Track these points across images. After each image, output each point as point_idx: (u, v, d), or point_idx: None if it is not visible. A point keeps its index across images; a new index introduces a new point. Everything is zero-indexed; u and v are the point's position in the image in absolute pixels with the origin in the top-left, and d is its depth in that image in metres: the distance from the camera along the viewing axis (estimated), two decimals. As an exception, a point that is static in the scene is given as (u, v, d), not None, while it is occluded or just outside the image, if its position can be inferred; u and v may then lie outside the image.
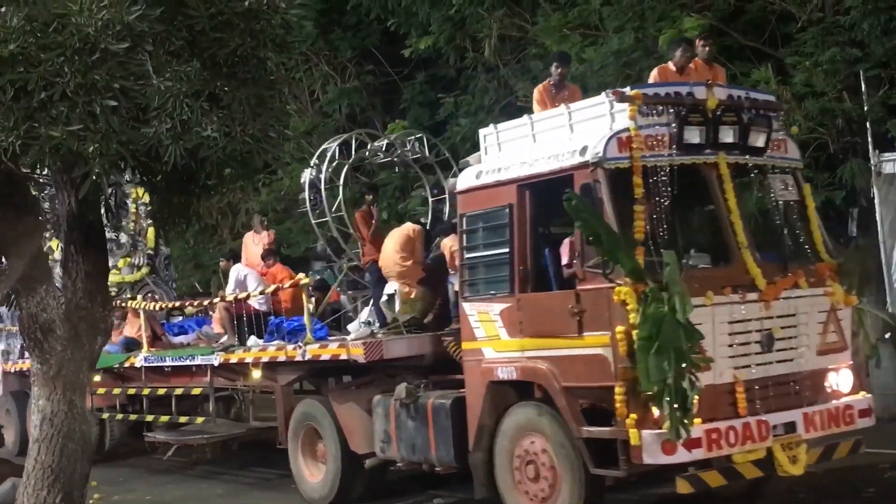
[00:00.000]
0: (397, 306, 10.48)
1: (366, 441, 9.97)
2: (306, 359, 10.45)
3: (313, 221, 12.51)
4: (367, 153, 13.31)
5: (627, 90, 7.86)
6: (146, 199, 16.11)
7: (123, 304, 14.62)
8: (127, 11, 5.32)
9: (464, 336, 8.85)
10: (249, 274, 12.69)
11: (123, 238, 17.08)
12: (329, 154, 12.68)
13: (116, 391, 14.37)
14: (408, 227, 11.26)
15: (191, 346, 13.59)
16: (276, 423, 11.40)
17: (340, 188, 12.71)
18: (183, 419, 13.33)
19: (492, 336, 8.50)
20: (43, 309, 6.77)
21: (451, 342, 9.52)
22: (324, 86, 21.23)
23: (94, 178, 5.59)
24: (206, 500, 11.92)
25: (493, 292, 8.51)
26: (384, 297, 10.67)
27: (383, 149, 13.46)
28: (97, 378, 13.18)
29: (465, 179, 9.06)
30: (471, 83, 18.40)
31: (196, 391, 12.77)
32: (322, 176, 12.47)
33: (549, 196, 8.08)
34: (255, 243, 14.50)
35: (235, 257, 13.51)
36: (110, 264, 15.78)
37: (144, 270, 17.02)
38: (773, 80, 12.70)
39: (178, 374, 13.07)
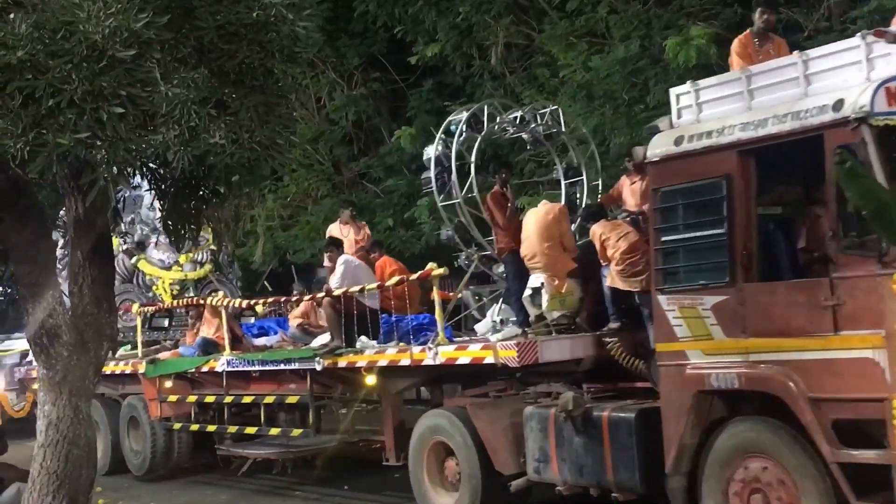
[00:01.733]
0: (544, 302, 9.18)
1: (513, 460, 8.60)
2: (438, 362, 9.09)
3: (440, 204, 10.74)
4: (495, 127, 11.47)
5: (894, 28, 6.50)
6: None
7: (201, 302, 13.36)
8: (134, 19, 5.33)
9: (658, 336, 7.46)
10: (360, 266, 11.17)
11: None
12: (460, 126, 10.95)
13: (191, 399, 12.84)
14: (550, 208, 9.68)
15: (277, 349, 12.29)
16: (383, 436, 10.17)
17: (472, 166, 10.88)
18: (274, 431, 11.69)
19: (700, 335, 7.07)
20: (50, 315, 6.78)
21: (615, 344, 8.45)
22: (330, 93, 21.26)
23: (101, 184, 5.60)
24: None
25: (702, 282, 7.07)
26: (527, 292, 9.35)
27: (516, 122, 11.67)
28: (168, 384, 12.91)
29: (658, 146, 7.51)
30: (477, 91, 18.39)
31: (291, 399, 11.14)
32: (452, 152, 10.71)
33: (777, 163, 6.89)
34: (343, 236, 13.26)
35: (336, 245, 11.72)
36: (172, 259, 15.56)
37: (208, 267, 16.16)
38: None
39: (265, 380, 11.74)
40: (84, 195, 6.35)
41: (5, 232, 6.79)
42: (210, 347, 12.52)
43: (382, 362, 9.72)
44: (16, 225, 6.72)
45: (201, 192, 6.75)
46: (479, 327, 10.15)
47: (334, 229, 13.56)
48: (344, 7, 19.52)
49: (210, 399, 12.51)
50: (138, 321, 14.06)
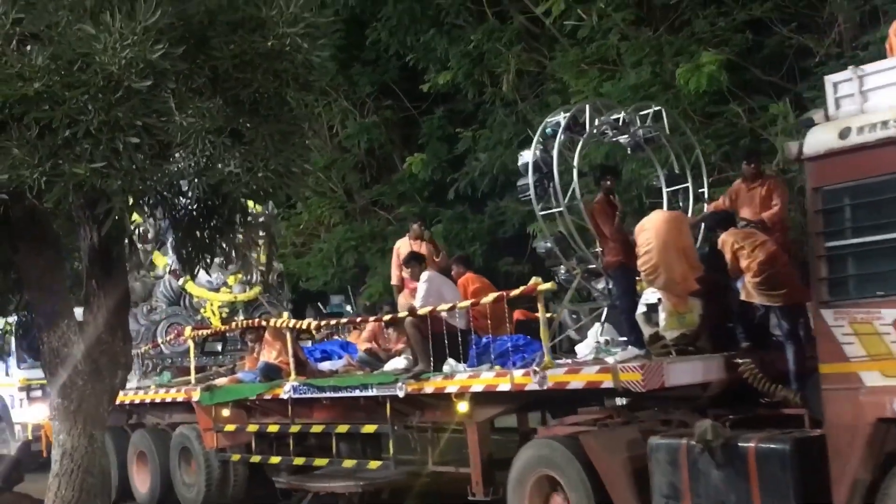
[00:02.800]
0: (661, 320, 8.50)
1: (635, 496, 7.67)
2: (545, 387, 8.17)
3: (539, 213, 9.85)
4: (594, 130, 10.56)
5: None
6: (257, 209, 14.32)
7: (263, 324, 12.34)
8: (150, 50, 5.36)
9: (823, 356, 6.65)
10: (445, 283, 10.29)
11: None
12: (560, 129, 10.06)
13: (251, 428, 11.92)
14: (672, 217, 8.96)
15: (343, 374, 11.33)
16: (469, 468, 9.22)
17: (575, 171, 9.95)
18: (348, 463, 10.80)
19: (878, 355, 6.26)
20: (64, 343, 6.79)
21: (749, 366, 7.62)
22: (343, 121, 21.36)
23: (116, 214, 5.63)
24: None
25: (881, 294, 6.28)
26: (642, 308, 8.75)
27: (619, 123, 10.75)
28: (225, 413, 12.05)
29: (818, 141, 6.71)
30: (489, 118, 18.47)
31: (368, 429, 10.31)
32: (554, 156, 9.80)
33: None
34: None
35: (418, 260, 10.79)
36: (220, 280, 14.84)
37: (257, 289, 15.24)
38: (792, 115, 12.68)
39: (336, 407, 10.84)
40: (99, 224, 6.39)
41: (21, 261, 6.82)
42: (273, 373, 11.63)
43: (477, 387, 8.79)
44: (31, 254, 6.74)
45: (214, 222, 6.77)
46: (581, 348, 9.20)
47: (403, 245, 12.62)
48: (356, 35, 19.65)
49: (273, 428, 11.60)
50: (191, 346, 13.25)
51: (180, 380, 13.63)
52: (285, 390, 10.96)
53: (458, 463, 9.59)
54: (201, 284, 14.88)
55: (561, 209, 9.70)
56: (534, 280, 8.65)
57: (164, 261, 14.84)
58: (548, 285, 8.60)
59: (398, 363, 10.17)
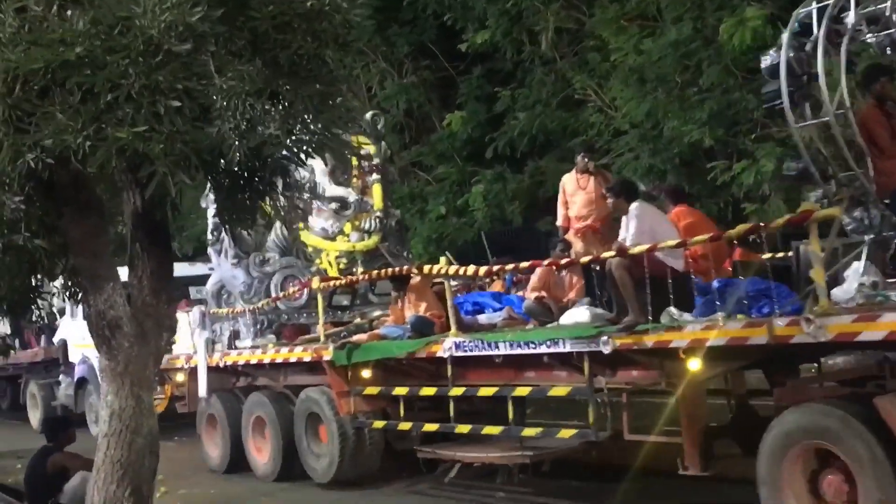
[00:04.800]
0: None
1: None
2: (822, 339, 6.68)
3: (795, 126, 7.99)
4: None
5: None
6: (371, 149, 13.97)
7: (414, 272, 10.87)
8: (189, 13, 5.36)
9: None
10: (657, 215, 8.76)
11: (352, 196, 13.84)
12: (823, 22, 8.06)
13: (399, 391, 10.50)
14: None
15: (506, 328, 10.00)
16: (680, 438, 8.05)
17: (842, 71, 8.02)
18: (529, 431, 9.37)
19: None
20: (111, 306, 6.85)
21: None
22: (381, 82, 21.35)
23: (159, 177, 5.65)
24: (273, 495, 11.79)
25: None
26: None
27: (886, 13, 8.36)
28: (366, 374, 10.86)
29: None
30: (528, 77, 18.39)
31: (559, 391, 8.82)
32: (818, 54, 7.92)
33: None
34: (580, 187, 11.18)
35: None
36: (336, 228, 13.60)
37: (376, 238, 13.89)
38: (836, 68, 12.44)
39: (510, 367, 9.43)
40: (142, 188, 6.42)
41: (66, 225, 6.88)
42: (426, 327, 10.39)
43: (718, 341, 7.30)
44: (76, 218, 6.80)
45: (256, 183, 6.78)
46: (838, 293, 7.26)
47: (568, 181, 11.32)
48: (393, -5, 19.60)
49: (428, 391, 10.14)
50: (319, 299, 11.87)
51: (309, 336, 12.43)
52: (445, 347, 9.62)
53: (662, 431, 8.46)
54: (315, 233, 13.72)
55: (829, 118, 7.80)
56: (807, 205, 7.28)
57: (269, 210, 13.80)
58: (831, 210, 7.23)
59: (579, 314, 9.07)
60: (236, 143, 5.55)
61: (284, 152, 5.90)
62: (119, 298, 6.91)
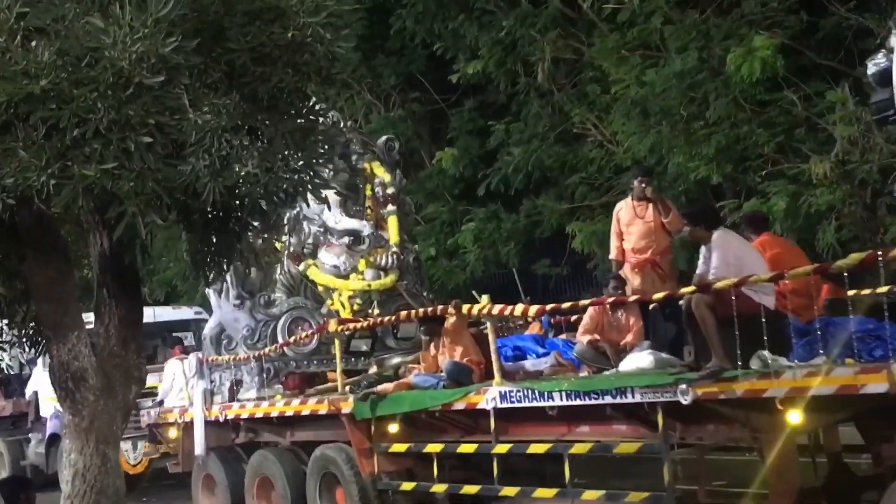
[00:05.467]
0: None
1: None
2: None
3: None
4: None
5: None
6: (386, 178, 13.46)
7: (450, 311, 10.10)
8: (162, 44, 5.38)
9: None
10: (744, 245, 8.08)
11: (366, 229, 13.20)
12: None
13: (432, 448, 9.67)
14: None
15: (553, 376, 9.42)
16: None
17: None
18: (591, 495, 8.36)
19: None
20: (74, 357, 6.84)
21: None
22: (367, 115, 21.40)
23: (128, 218, 5.66)
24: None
25: None
26: None
27: None
28: (392, 428, 10.10)
29: None
30: (523, 109, 18.45)
31: (627, 448, 8.11)
32: None
33: None
34: (637, 216, 10.44)
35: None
36: (349, 265, 12.91)
37: (393, 276, 13.15)
38: (851, 101, 12.58)
39: (565, 421, 8.72)
40: (110, 229, 6.43)
41: (28, 270, 6.87)
42: (463, 375, 9.73)
43: (825, 389, 6.69)
44: (38, 262, 6.80)
45: (231, 225, 6.79)
46: None
47: (624, 208, 10.62)
48: (380, 23, 19.70)
49: (467, 449, 9.39)
50: (337, 344, 11.20)
51: (324, 387, 12.02)
52: (488, 398, 8.93)
53: (746, 494, 7.92)
54: (326, 270, 12.99)
55: None
56: None
57: (280, 244, 12.81)
58: None
59: (641, 360, 8.55)
60: (211, 181, 5.57)
61: (262, 192, 5.91)
62: (84, 348, 6.89)
